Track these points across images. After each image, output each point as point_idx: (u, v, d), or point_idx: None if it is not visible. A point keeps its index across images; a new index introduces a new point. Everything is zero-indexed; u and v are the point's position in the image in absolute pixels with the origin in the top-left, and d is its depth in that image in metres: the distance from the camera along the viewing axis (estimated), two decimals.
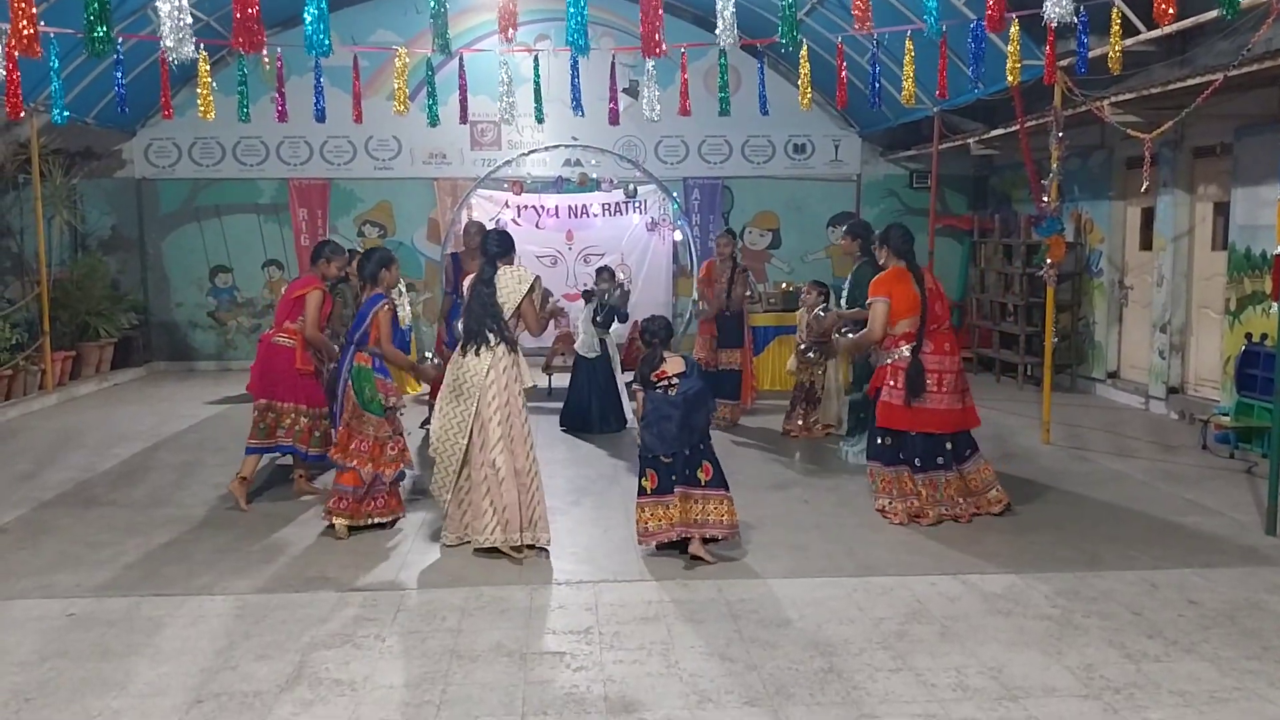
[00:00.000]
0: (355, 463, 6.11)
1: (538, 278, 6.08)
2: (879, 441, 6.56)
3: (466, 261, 9.29)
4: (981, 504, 6.53)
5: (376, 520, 6.25)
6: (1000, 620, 4.83)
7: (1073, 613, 4.91)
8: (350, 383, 6.17)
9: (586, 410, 9.43)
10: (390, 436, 6.20)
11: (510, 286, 5.91)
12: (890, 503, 6.47)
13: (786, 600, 5.09)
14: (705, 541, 5.67)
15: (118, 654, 4.50)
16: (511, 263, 6.12)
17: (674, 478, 5.64)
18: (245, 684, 4.20)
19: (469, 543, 5.87)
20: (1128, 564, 5.63)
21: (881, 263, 6.70)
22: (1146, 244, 10.72)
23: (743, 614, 4.91)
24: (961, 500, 6.48)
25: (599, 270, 9.97)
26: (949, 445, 6.48)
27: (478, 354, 5.82)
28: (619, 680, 4.21)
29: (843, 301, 8.18)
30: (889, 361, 6.45)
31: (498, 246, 6.04)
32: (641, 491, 5.73)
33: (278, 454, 7.23)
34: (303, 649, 4.53)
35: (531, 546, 5.80)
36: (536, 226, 11.98)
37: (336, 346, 6.97)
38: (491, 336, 5.82)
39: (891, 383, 6.39)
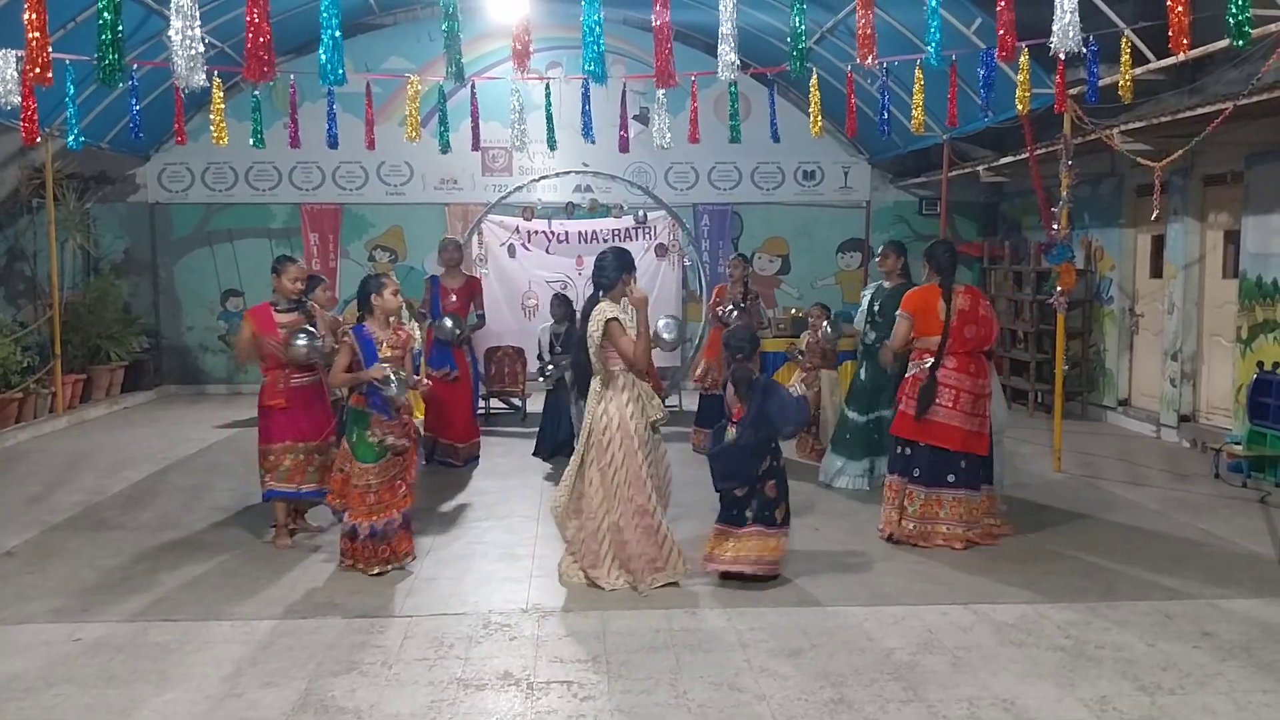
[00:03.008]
0: (348, 516, 5.95)
1: (614, 318, 5.59)
2: (897, 451, 6.66)
3: (446, 281, 9.29)
4: (976, 534, 6.50)
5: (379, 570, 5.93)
6: (1013, 651, 4.79)
7: (1086, 644, 4.87)
8: (347, 428, 6.07)
9: (554, 438, 9.43)
10: (371, 486, 5.87)
11: (593, 323, 5.61)
12: (887, 512, 6.63)
13: (796, 629, 5.05)
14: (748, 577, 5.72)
15: (124, 680, 4.48)
16: (620, 294, 5.68)
17: (734, 512, 5.71)
18: (252, 711, 4.18)
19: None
20: (1141, 594, 5.58)
21: (924, 279, 6.70)
22: (1157, 271, 10.70)
23: (752, 643, 4.87)
24: (961, 526, 6.45)
25: (555, 297, 9.96)
26: (963, 464, 6.46)
27: (585, 392, 5.71)
28: (626, 710, 4.18)
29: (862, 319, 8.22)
30: (908, 374, 6.59)
31: (604, 275, 5.69)
32: (719, 519, 5.83)
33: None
34: (309, 676, 4.51)
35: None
36: (546, 252, 11.99)
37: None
38: (591, 374, 5.69)
39: (909, 394, 6.52)
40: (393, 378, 5.82)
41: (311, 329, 6.48)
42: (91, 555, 6.35)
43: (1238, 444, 8.31)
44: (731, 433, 5.75)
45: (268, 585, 5.76)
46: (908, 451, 6.57)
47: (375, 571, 5.87)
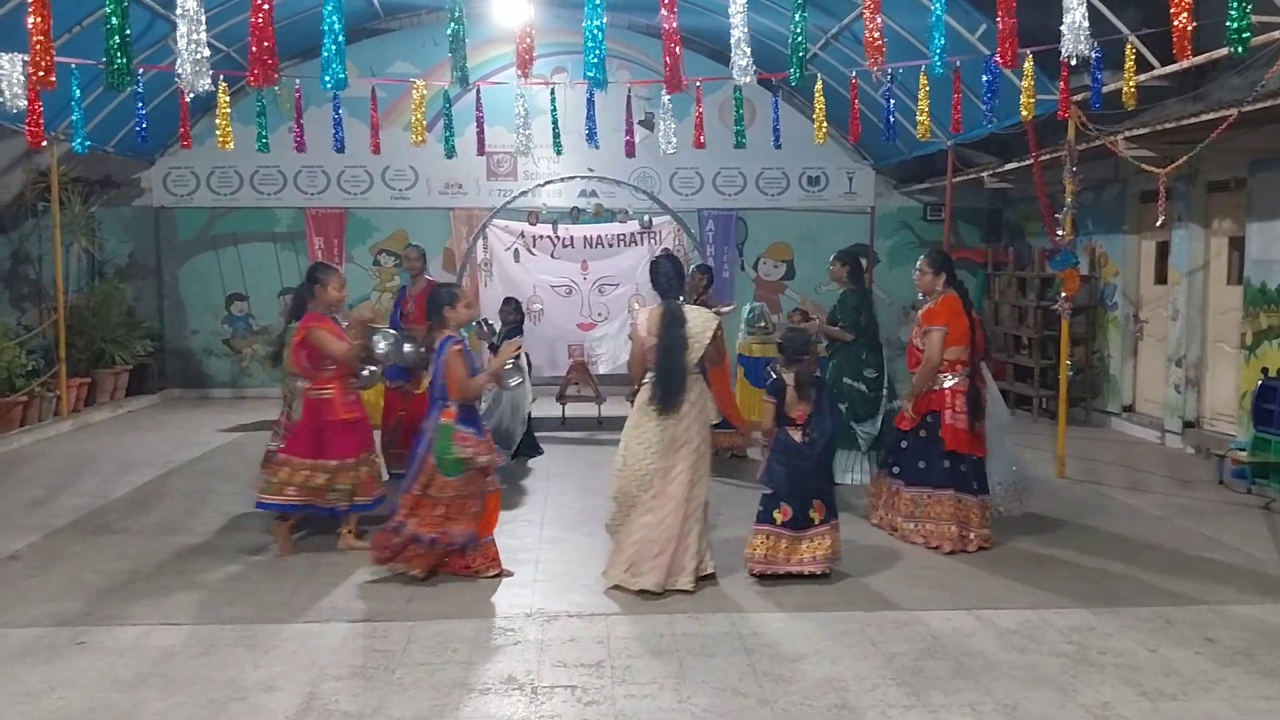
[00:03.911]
0: (412, 525, 5.73)
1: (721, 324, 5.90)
2: (945, 466, 6.51)
3: (409, 288, 9.12)
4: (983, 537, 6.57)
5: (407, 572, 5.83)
6: (1015, 656, 4.78)
7: (1088, 649, 4.86)
8: (436, 440, 5.76)
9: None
10: (464, 496, 5.76)
11: (699, 327, 5.75)
12: (919, 526, 6.58)
13: (800, 635, 5.05)
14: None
15: (127, 684, 4.49)
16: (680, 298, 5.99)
17: (802, 515, 5.83)
18: (255, 715, 4.19)
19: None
20: (1144, 600, 5.57)
21: (939, 289, 6.63)
22: (1161, 278, 10.70)
23: (755, 648, 4.87)
24: (986, 529, 6.56)
25: (506, 300, 9.88)
26: (985, 468, 6.60)
27: (678, 402, 5.69)
28: (630, 715, 4.18)
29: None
30: (945, 386, 6.49)
31: (672, 283, 5.88)
32: (770, 521, 5.85)
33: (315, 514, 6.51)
34: (312, 680, 4.51)
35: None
36: (551, 257, 12.01)
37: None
38: (686, 379, 5.74)
39: (954, 406, 6.43)
40: (516, 368, 5.93)
41: (393, 332, 6.44)
42: (95, 559, 6.36)
43: (1242, 450, 8.29)
44: (796, 435, 5.89)
45: (271, 589, 5.77)
46: (947, 464, 6.49)
47: (421, 574, 5.83)
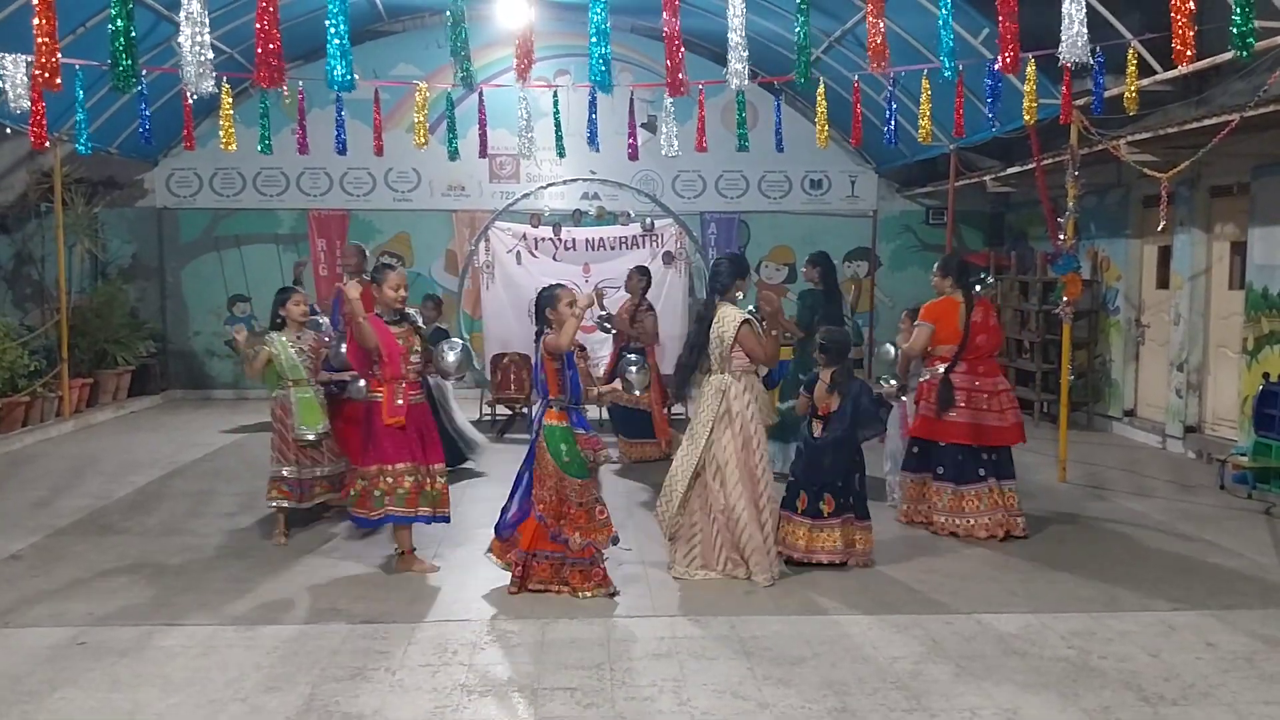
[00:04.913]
0: (565, 531, 5.56)
1: (748, 319, 5.91)
2: (911, 451, 7.13)
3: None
4: (1010, 524, 6.85)
5: (592, 594, 5.61)
6: (1016, 661, 4.78)
7: (1089, 654, 4.86)
8: (544, 445, 5.57)
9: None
10: (596, 501, 5.64)
11: (724, 325, 5.91)
12: (907, 506, 7.15)
13: (800, 638, 5.05)
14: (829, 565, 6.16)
15: (128, 684, 4.49)
16: (738, 296, 6.09)
17: (817, 505, 6.13)
18: (255, 716, 4.19)
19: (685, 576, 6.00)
20: (1145, 605, 5.57)
21: (946, 291, 7.03)
22: (1163, 282, 10.69)
23: (755, 651, 4.87)
24: (992, 516, 6.80)
25: (427, 297, 9.69)
26: (989, 457, 6.86)
27: (681, 394, 6.09)
28: (630, 717, 4.18)
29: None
30: (925, 379, 7.00)
31: (718, 280, 6.05)
32: (792, 508, 6.20)
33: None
34: (313, 681, 4.52)
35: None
36: (554, 259, 12.01)
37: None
38: (713, 373, 5.97)
39: (927, 398, 6.90)
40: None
41: (465, 341, 6.28)
42: (97, 559, 6.37)
43: (1243, 455, 8.29)
44: (816, 428, 6.23)
45: (272, 591, 5.78)
46: (915, 450, 7.05)
47: (589, 594, 5.62)
